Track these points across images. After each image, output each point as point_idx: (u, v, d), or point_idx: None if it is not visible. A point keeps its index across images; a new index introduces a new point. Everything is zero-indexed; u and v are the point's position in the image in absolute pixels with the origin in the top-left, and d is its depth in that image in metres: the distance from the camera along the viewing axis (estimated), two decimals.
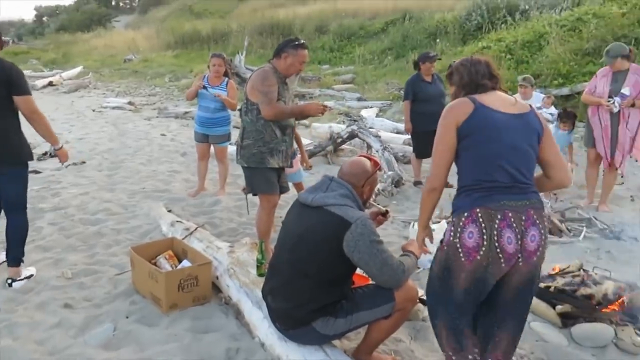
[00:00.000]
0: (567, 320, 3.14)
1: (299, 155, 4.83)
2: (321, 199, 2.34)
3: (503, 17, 13.35)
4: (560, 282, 3.39)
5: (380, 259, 2.26)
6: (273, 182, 3.81)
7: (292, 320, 2.37)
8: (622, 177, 5.54)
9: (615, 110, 4.92)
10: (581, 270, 3.59)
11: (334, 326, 2.33)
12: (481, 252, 2.00)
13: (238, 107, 4.47)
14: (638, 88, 4.90)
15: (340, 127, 7.75)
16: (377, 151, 6.52)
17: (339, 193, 2.35)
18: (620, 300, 3.21)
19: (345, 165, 2.55)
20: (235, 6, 29.04)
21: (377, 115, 9.96)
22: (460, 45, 13.64)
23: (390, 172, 5.95)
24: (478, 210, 2.02)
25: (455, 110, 2.13)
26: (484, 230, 1.99)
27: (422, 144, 6.01)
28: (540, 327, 3.12)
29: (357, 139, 7.34)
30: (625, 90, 4.91)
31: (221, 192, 5.66)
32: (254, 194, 3.96)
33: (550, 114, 6.95)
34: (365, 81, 13.59)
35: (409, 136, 6.48)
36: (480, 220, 2.00)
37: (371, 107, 10.60)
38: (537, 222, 2.04)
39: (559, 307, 3.18)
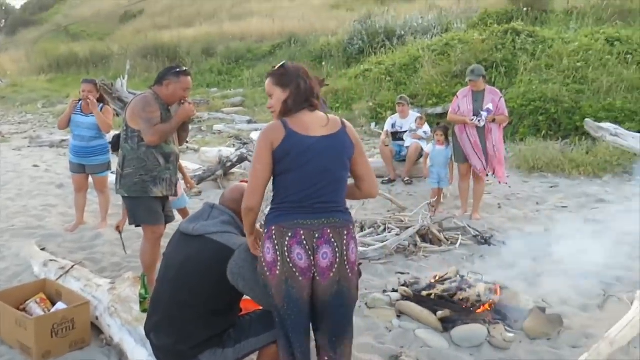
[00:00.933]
0: (447, 325, 3.35)
1: (181, 181, 4.71)
2: (202, 228, 2.30)
3: (382, 42, 14.21)
4: (439, 288, 3.64)
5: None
6: (157, 212, 3.68)
7: (177, 356, 2.28)
8: (499, 182, 6.10)
9: (482, 124, 5.44)
10: (458, 275, 3.89)
11: (222, 357, 2.27)
12: (278, 267, 2.10)
13: (114, 131, 4.27)
14: (495, 105, 5.53)
15: (230, 151, 7.67)
16: None
17: (220, 220, 2.32)
18: (491, 301, 3.51)
19: (226, 191, 2.54)
20: (117, 28, 27.82)
21: None
22: (345, 68, 14.26)
23: None
24: (273, 228, 2.13)
25: (270, 134, 2.17)
26: (277, 247, 2.10)
27: None
28: (423, 333, 3.30)
29: (247, 162, 7.32)
30: (490, 106, 5.49)
31: (103, 224, 5.33)
32: (137, 225, 3.78)
33: (424, 132, 7.49)
34: (255, 104, 13.66)
35: None
36: (274, 237, 2.12)
37: (261, 130, 10.62)
38: (332, 240, 2.11)
39: (439, 313, 3.39)
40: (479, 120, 5.44)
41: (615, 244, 4.83)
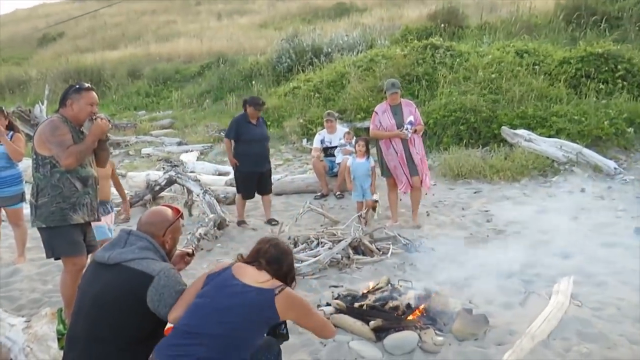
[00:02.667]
0: (380, 334, 3.39)
1: (111, 212, 4.53)
2: (119, 255, 2.20)
3: (310, 59, 14.39)
4: (371, 299, 3.68)
5: None
6: (78, 242, 3.49)
7: None
8: (426, 193, 6.30)
9: (408, 136, 5.64)
10: (389, 284, 3.96)
11: None
12: None
13: (26, 159, 4.03)
14: (414, 116, 5.73)
15: (158, 174, 7.45)
16: (197, 195, 6.41)
17: (138, 246, 2.23)
18: (421, 307, 3.60)
19: (143, 216, 2.45)
20: (34, 52, 26.46)
21: (198, 159, 9.85)
22: (274, 86, 14.30)
23: (212, 215, 5.88)
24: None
25: (221, 264, 2.33)
26: None
27: (248, 184, 6.12)
28: (357, 345, 3.32)
29: (177, 184, 7.13)
30: (411, 118, 5.70)
31: (20, 259, 4.99)
32: (57, 258, 3.57)
33: (354, 146, 7.63)
34: (185, 125, 13.37)
35: (231, 176, 6.55)
36: None
37: (192, 151, 10.44)
38: None
39: (371, 323, 3.43)
40: (404, 131, 5.62)
41: (533, 243, 5.13)
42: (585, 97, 9.19)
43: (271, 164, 6.44)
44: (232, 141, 6.10)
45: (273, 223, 6.15)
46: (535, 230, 5.51)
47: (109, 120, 3.62)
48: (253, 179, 6.11)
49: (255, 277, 2.18)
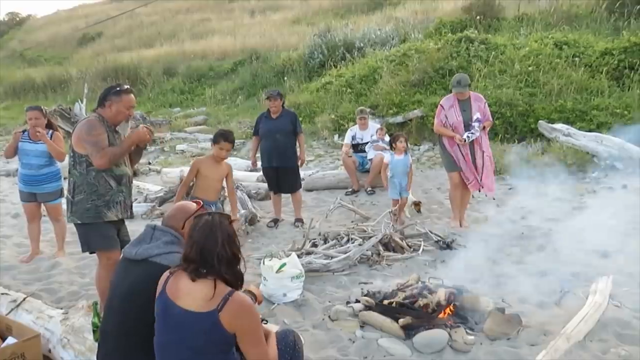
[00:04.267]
0: (409, 332, 3.36)
1: None
2: (145, 251, 2.25)
3: (342, 54, 14.37)
4: (401, 296, 3.65)
5: None
6: (112, 237, 3.59)
7: None
8: (493, 199, 6.00)
9: (477, 135, 5.28)
10: (419, 282, 3.92)
11: None
12: None
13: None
14: (482, 112, 5.37)
15: None
16: None
17: (163, 241, 2.28)
18: (451, 305, 3.55)
19: (168, 211, 2.50)
20: (74, 51, 27.30)
21: (231, 155, 9.94)
22: (306, 81, 14.34)
23: (243, 211, 5.95)
24: None
25: (161, 279, 2.10)
26: None
27: (267, 179, 6.17)
28: (386, 342, 3.29)
29: None
30: (478, 115, 5.33)
31: (60, 253, 5.17)
32: (92, 252, 3.69)
33: (387, 143, 7.57)
34: (218, 121, 13.58)
35: (262, 173, 6.57)
36: None
37: None
38: None
39: (401, 320, 3.40)
40: (470, 135, 5.28)
41: (571, 241, 4.97)
42: (629, 90, 8.85)
43: (296, 161, 6.08)
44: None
45: (297, 224, 5.99)
46: (572, 227, 5.33)
47: (151, 131, 3.69)
48: (270, 173, 6.04)
49: (192, 294, 1.94)
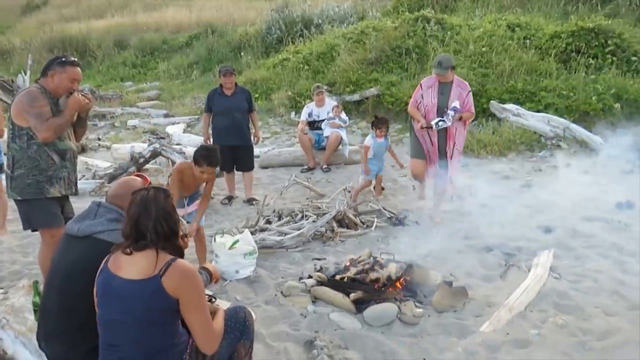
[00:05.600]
0: (360, 306, 3.42)
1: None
2: (88, 228, 2.17)
3: (300, 31, 14.17)
4: (352, 271, 3.69)
5: None
6: (55, 214, 3.46)
7: None
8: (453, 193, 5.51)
9: (448, 124, 4.82)
10: (371, 257, 3.97)
11: None
12: None
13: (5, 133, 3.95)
14: (462, 101, 4.87)
15: (142, 147, 7.37)
16: None
17: (107, 218, 2.20)
18: (401, 279, 3.62)
19: (111, 187, 2.41)
20: (18, 20, 25.78)
21: (185, 131, 9.74)
22: (264, 57, 14.09)
23: None
24: None
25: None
26: None
27: (222, 157, 6.02)
28: (337, 316, 3.34)
29: (162, 157, 7.08)
30: (456, 104, 4.84)
31: (1, 231, 4.95)
32: (34, 230, 3.54)
33: (343, 120, 7.58)
34: (172, 97, 13.19)
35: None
36: None
37: (178, 123, 10.33)
38: None
39: (352, 295, 3.45)
40: (440, 123, 4.83)
41: (516, 217, 5.16)
42: (575, 72, 9.16)
43: (251, 139, 6.11)
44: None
45: (253, 203, 5.96)
46: (519, 204, 5.54)
47: (90, 99, 3.52)
48: (225, 152, 5.72)
49: (134, 265, 1.93)
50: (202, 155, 3.68)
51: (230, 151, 5.92)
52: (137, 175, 2.51)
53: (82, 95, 3.44)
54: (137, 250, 1.95)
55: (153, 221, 1.95)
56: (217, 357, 2.11)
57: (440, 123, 4.86)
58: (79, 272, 2.10)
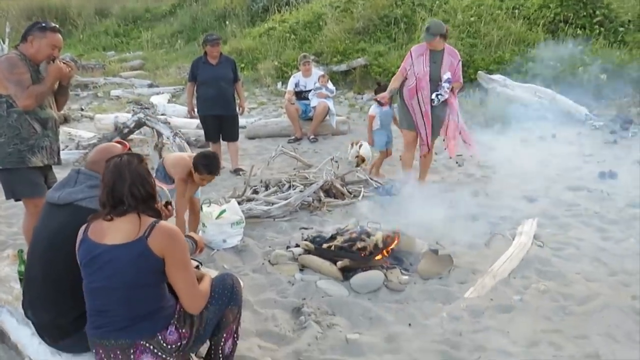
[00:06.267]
0: (347, 274, 3.46)
1: None
2: (69, 195, 2.15)
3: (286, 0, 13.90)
4: (339, 240, 3.72)
5: None
6: (38, 184, 3.40)
7: (57, 332, 2.16)
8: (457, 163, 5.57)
9: (443, 97, 4.77)
10: (358, 226, 4.00)
11: None
12: None
13: None
14: (452, 71, 4.77)
15: (127, 117, 7.25)
16: (167, 138, 6.29)
17: (87, 185, 2.18)
18: (388, 248, 3.66)
19: (91, 153, 2.38)
20: None
21: (169, 101, 9.61)
22: (249, 26, 13.83)
23: None
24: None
25: (79, 232, 2.03)
26: None
27: (207, 128, 5.99)
28: (324, 284, 3.38)
29: (146, 127, 6.97)
30: (448, 75, 4.73)
31: None
32: (17, 200, 3.49)
33: (330, 90, 7.52)
34: (156, 67, 12.95)
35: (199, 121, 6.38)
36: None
37: (163, 93, 10.17)
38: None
39: (339, 263, 3.48)
40: (439, 97, 4.77)
41: (502, 187, 5.22)
42: (563, 43, 9.14)
43: (237, 109, 6.04)
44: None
45: (240, 173, 5.93)
46: (504, 174, 5.59)
47: (72, 67, 3.43)
48: (211, 122, 5.90)
49: (118, 231, 1.93)
50: (204, 165, 3.65)
51: (216, 121, 5.88)
52: (117, 142, 2.46)
53: (64, 62, 3.36)
54: (118, 216, 1.96)
55: (128, 186, 1.95)
56: (205, 322, 2.13)
57: (439, 97, 4.79)
58: (61, 240, 2.09)
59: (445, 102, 4.88)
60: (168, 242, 1.94)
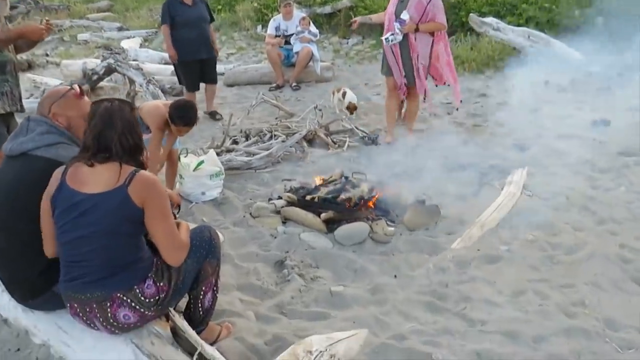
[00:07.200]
0: (331, 226, 3.48)
1: None
2: (20, 145, 2.08)
3: None
4: (323, 191, 3.72)
5: None
6: (1, 133, 3.30)
7: (25, 288, 2.14)
8: (424, 101, 5.24)
9: (392, 42, 4.69)
10: (342, 177, 4.00)
11: None
12: None
13: None
14: (420, 10, 4.63)
15: (96, 63, 7.03)
16: (140, 85, 6.13)
17: (38, 132, 2.10)
18: (373, 199, 3.67)
19: (42, 98, 2.29)
20: None
21: (141, 46, 9.31)
22: None
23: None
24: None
25: (52, 177, 1.98)
26: None
27: (190, 74, 5.83)
28: (308, 236, 3.40)
29: (117, 74, 6.78)
30: (404, 15, 4.63)
31: None
32: None
33: (313, 34, 7.33)
34: (126, 8, 12.47)
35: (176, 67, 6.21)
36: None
37: (134, 37, 9.83)
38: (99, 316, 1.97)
39: (323, 215, 3.50)
40: (390, 38, 4.67)
41: (492, 135, 5.22)
42: None
43: (218, 52, 6.08)
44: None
45: (217, 117, 5.96)
46: (494, 122, 5.59)
47: (50, 29, 3.30)
48: (194, 67, 5.79)
49: (98, 179, 1.91)
50: (179, 117, 3.57)
51: (198, 66, 5.80)
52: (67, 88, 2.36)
53: (46, 24, 3.23)
54: (100, 163, 1.93)
55: (119, 135, 1.94)
56: (184, 275, 2.13)
57: (390, 38, 4.70)
58: (17, 192, 2.04)
59: (412, 45, 4.75)
60: (148, 191, 1.93)
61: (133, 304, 1.98)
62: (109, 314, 1.97)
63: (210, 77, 5.99)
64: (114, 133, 1.93)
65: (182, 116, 3.57)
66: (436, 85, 5.29)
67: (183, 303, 2.38)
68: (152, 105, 3.85)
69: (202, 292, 2.28)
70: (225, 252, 3.11)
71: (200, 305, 2.30)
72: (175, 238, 2.02)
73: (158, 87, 6.08)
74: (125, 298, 1.96)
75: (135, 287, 1.98)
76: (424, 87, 4.98)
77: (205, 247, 2.24)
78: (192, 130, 5.23)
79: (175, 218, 2.23)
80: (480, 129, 5.47)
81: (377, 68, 6.73)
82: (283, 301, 2.77)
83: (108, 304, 1.95)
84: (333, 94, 6.12)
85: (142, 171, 1.97)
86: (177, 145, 4.07)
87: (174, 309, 2.30)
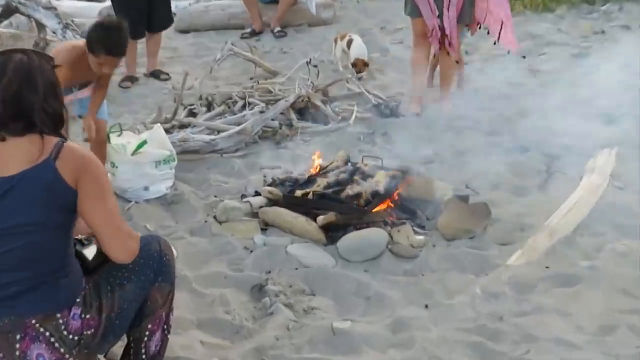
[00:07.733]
0: (332, 234, 3.48)
1: None
2: None
3: None
4: (321, 184, 3.71)
5: None
6: None
7: None
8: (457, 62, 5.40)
9: None
10: (348, 163, 4.00)
11: None
12: None
13: None
14: None
15: None
16: (54, 32, 6.19)
17: None
18: (393, 194, 3.66)
19: None
20: None
21: None
22: None
23: None
24: None
25: None
26: None
27: (135, 14, 5.81)
28: (298, 249, 3.40)
29: (20, 15, 6.79)
30: None
31: None
32: None
33: None
34: None
35: (108, 3, 6.28)
36: None
37: None
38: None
39: (320, 219, 3.49)
40: None
41: (565, 101, 5.22)
42: None
43: None
44: None
45: (163, 77, 6.07)
46: (568, 82, 5.61)
47: None
48: (139, 6, 5.91)
49: (13, 156, 1.95)
50: (100, 40, 3.56)
51: (145, 4, 5.93)
52: None
53: None
54: (13, 136, 1.95)
55: (41, 99, 1.98)
56: (120, 307, 2.13)
57: None
58: None
59: None
60: (82, 164, 1.97)
61: (52, 340, 1.97)
62: (17, 354, 1.95)
63: (161, 20, 6.10)
64: (35, 96, 1.96)
65: (103, 39, 3.55)
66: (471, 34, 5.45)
67: (119, 348, 2.37)
68: (68, 44, 3.86)
69: (147, 332, 2.28)
70: (179, 273, 3.10)
71: (144, 351, 2.30)
72: (121, 222, 2.08)
73: (78, 34, 6.08)
74: (42, 330, 1.96)
75: (58, 313, 1.98)
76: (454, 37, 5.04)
77: (152, 267, 2.23)
78: (130, 98, 5.25)
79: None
80: (547, 93, 5.47)
81: (398, 6, 6.73)
82: (264, 344, 2.76)
83: (17, 337, 1.95)
84: (335, 42, 6.14)
85: (69, 142, 2.01)
86: (104, 114, 4.08)
87: (105, 356, 2.30)
